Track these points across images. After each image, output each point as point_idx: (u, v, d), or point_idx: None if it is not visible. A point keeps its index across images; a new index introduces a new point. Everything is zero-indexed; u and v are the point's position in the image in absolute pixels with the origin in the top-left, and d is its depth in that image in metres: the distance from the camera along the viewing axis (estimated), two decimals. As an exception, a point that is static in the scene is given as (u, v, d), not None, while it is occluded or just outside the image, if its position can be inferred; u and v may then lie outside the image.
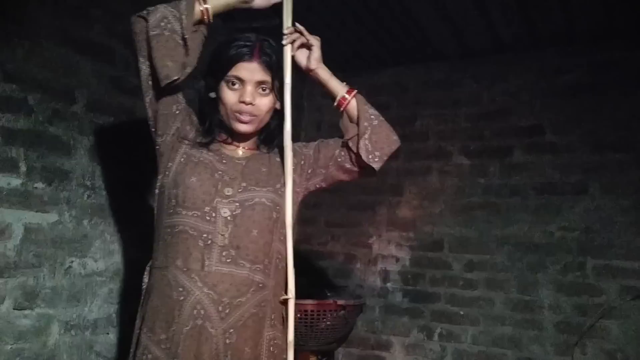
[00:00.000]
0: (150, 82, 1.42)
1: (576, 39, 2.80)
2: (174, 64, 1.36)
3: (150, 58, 1.37)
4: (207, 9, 1.40)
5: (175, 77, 1.36)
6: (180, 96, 1.48)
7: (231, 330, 1.34)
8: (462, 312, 2.98)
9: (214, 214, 1.37)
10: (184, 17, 1.36)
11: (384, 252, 3.21)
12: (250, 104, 1.41)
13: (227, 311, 1.34)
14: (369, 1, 2.51)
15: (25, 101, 1.88)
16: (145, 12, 1.38)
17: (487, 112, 3.06)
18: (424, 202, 3.15)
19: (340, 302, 2.84)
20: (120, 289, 2.24)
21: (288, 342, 1.39)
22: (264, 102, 1.44)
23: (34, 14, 1.92)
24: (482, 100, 3.08)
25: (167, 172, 1.45)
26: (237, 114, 1.42)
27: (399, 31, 2.85)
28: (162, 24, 1.35)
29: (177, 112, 1.47)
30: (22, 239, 1.86)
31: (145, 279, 1.48)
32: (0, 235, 1.80)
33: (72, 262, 2.04)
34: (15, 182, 1.84)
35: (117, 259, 2.24)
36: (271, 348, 1.41)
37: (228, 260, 1.36)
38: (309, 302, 2.69)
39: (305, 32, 1.47)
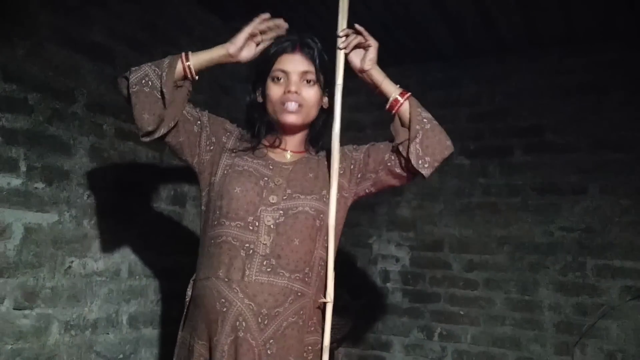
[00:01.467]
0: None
1: (576, 39, 2.80)
2: (150, 117, 1.37)
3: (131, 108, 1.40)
4: (189, 65, 1.41)
5: (151, 129, 1.38)
6: (195, 112, 1.48)
7: (271, 340, 1.35)
8: (462, 312, 2.98)
9: (257, 223, 1.38)
10: (164, 74, 1.38)
11: (384, 252, 3.22)
12: (296, 92, 1.41)
13: (265, 322, 1.35)
14: (369, 1, 2.52)
15: (25, 101, 1.88)
16: (128, 72, 1.41)
17: (487, 112, 3.06)
18: (424, 202, 3.15)
19: (341, 302, 2.84)
20: (120, 289, 2.24)
21: (324, 346, 1.39)
22: (310, 93, 1.44)
23: (34, 14, 1.92)
24: (482, 100, 3.08)
25: (212, 187, 1.46)
26: (283, 105, 1.42)
27: (399, 31, 2.85)
28: (143, 81, 1.38)
29: (200, 129, 1.48)
30: (22, 239, 1.86)
31: (189, 292, 1.47)
32: (0, 235, 1.80)
33: (72, 262, 2.04)
34: (15, 182, 1.84)
35: (117, 259, 2.24)
36: (304, 354, 1.41)
37: (268, 270, 1.36)
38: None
39: (365, 33, 1.45)
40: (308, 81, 1.43)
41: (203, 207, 1.49)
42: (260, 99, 1.50)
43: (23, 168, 1.87)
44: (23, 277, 1.86)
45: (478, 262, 2.97)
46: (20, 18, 1.88)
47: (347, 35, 1.44)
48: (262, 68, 1.46)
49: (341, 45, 1.43)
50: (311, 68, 1.43)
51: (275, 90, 1.43)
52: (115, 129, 2.23)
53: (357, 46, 1.45)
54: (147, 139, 1.39)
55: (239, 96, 2.74)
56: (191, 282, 1.48)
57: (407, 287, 3.13)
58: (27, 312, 1.88)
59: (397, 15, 2.66)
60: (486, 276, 2.94)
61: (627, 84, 2.74)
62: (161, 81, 1.37)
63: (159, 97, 1.38)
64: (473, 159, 3.06)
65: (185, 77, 1.43)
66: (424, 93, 3.20)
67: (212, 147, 1.47)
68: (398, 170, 1.49)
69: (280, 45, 1.44)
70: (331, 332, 3.05)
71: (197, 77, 1.44)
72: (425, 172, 1.45)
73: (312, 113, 1.47)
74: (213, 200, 1.44)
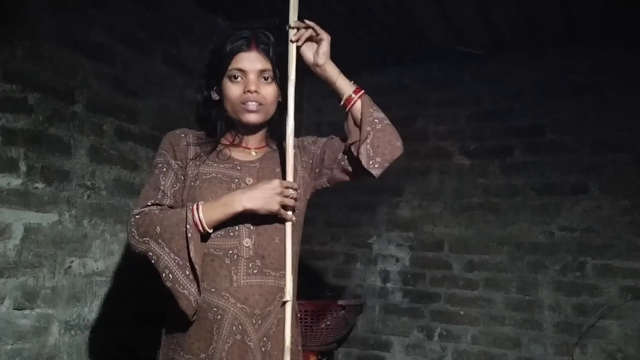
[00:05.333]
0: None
1: (576, 39, 2.80)
2: (191, 311, 1.32)
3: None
4: (206, 231, 1.31)
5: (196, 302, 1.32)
6: (172, 153, 1.42)
7: (264, 338, 1.35)
8: (462, 312, 2.98)
9: (236, 228, 1.36)
10: (188, 271, 1.29)
11: (384, 252, 3.22)
12: (256, 92, 1.38)
13: (259, 322, 1.35)
14: (369, 1, 2.52)
15: (25, 101, 1.88)
16: (145, 248, 1.30)
17: (487, 112, 3.06)
18: (424, 202, 3.16)
19: (340, 302, 2.84)
20: (120, 289, 2.24)
21: (285, 346, 1.36)
22: (269, 91, 1.41)
23: (34, 14, 1.92)
24: (482, 100, 3.08)
25: (183, 201, 1.40)
26: (244, 105, 1.40)
27: (399, 31, 2.85)
28: (171, 277, 1.29)
29: (182, 177, 1.42)
30: (22, 239, 1.86)
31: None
32: (0, 235, 1.80)
33: (72, 262, 2.04)
34: (15, 182, 1.84)
35: (117, 259, 2.24)
36: (298, 347, 1.42)
37: (255, 271, 1.36)
38: (309, 302, 2.69)
39: (316, 27, 1.42)
40: (265, 78, 1.41)
41: None
42: (215, 97, 1.46)
43: (23, 168, 1.87)
44: (23, 277, 1.86)
45: (478, 262, 2.98)
46: (20, 18, 1.88)
47: (298, 28, 1.42)
48: (217, 66, 1.42)
49: (293, 38, 1.41)
50: (268, 66, 1.40)
51: (233, 90, 1.40)
52: (115, 129, 2.23)
53: (309, 39, 1.43)
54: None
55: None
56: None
57: (407, 287, 3.13)
58: (27, 312, 1.88)
59: (397, 15, 2.66)
60: (486, 276, 2.95)
61: (627, 84, 2.74)
62: (196, 280, 1.30)
63: (191, 297, 1.30)
64: (473, 159, 3.06)
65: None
66: (424, 93, 3.24)
67: (184, 173, 1.42)
68: (350, 168, 1.50)
69: (235, 44, 1.39)
70: (331, 332, 3.05)
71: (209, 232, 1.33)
72: (375, 172, 1.44)
73: (272, 110, 1.45)
74: None
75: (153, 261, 1.30)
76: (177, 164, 1.41)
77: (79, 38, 2.08)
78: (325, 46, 1.42)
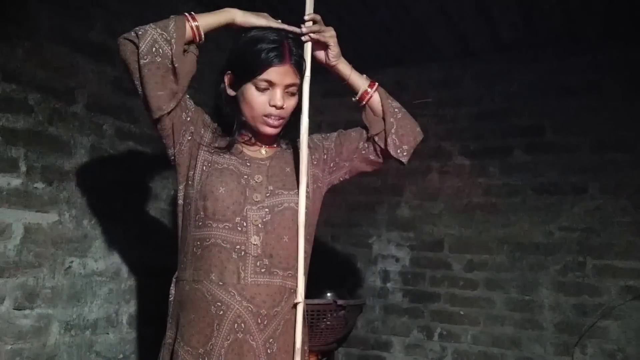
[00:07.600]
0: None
1: (576, 39, 2.81)
2: (165, 93, 1.31)
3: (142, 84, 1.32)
4: (197, 26, 1.34)
5: (166, 108, 1.32)
6: (187, 101, 1.42)
7: (271, 340, 1.35)
8: (462, 312, 2.98)
9: (245, 223, 1.36)
10: (173, 40, 1.29)
11: (384, 252, 3.22)
12: (282, 107, 1.37)
13: (265, 322, 1.34)
14: (369, 1, 2.52)
15: (25, 101, 1.88)
16: (133, 34, 1.29)
17: (487, 112, 3.06)
18: (424, 202, 3.15)
19: (340, 302, 2.84)
20: (120, 289, 2.24)
21: (296, 348, 1.36)
22: (291, 104, 1.41)
23: (34, 14, 1.92)
24: (482, 100, 3.08)
25: (190, 182, 1.41)
26: (266, 118, 1.38)
27: (399, 31, 2.85)
28: (154, 49, 1.28)
29: (188, 119, 1.41)
30: (22, 239, 1.86)
31: (172, 291, 1.44)
32: (0, 235, 1.80)
33: (72, 262, 2.04)
34: (15, 182, 1.84)
35: (117, 259, 2.24)
36: (305, 346, 1.42)
37: (263, 270, 1.35)
38: (309, 302, 2.68)
39: (322, 28, 1.43)
40: (291, 91, 1.39)
41: (180, 201, 1.44)
42: (232, 93, 1.43)
43: (23, 168, 1.87)
44: (23, 277, 1.86)
45: (478, 262, 2.98)
46: (20, 18, 1.88)
47: (313, 21, 1.42)
48: (243, 68, 1.38)
49: (305, 30, 1.41)
50: (296, 80, 1.39)
51: (258, 99, 1.37)
52: (115, 129, 2.23)
53: (318, 41, 1.43)
54: (158, 115, 1.32)
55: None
56: (173, 280, 1.44)
57: (407, 287, 3.13)
58: (27, 312, 1.88)
59: (397, 15, 2.66)
60: (486, 276, 2.95)
61: (628, 84, 2.74)
62: (172, 49, 1.29)
63: (170, 66, 1.30)
64: (473, 159, 3.06)
65: (191, 41, 1.35)
66: (424, 93, 3.24)
67: (190, 138, 1.42)
68: (372, 157, 1.55)
69: (269, 54, 1.34)
70: (331, 332, 3.05)
71: (203, 40, 1.35)
72: (404, 159, 1.53)
73: (289, 118, 1.45)
74: (194, 199, 1.39)
75: (140, 34, 1.28)
76: (192, 118, 1.42)
77: (79, 38, 2.08)
78: (334, 48, 1.45)
